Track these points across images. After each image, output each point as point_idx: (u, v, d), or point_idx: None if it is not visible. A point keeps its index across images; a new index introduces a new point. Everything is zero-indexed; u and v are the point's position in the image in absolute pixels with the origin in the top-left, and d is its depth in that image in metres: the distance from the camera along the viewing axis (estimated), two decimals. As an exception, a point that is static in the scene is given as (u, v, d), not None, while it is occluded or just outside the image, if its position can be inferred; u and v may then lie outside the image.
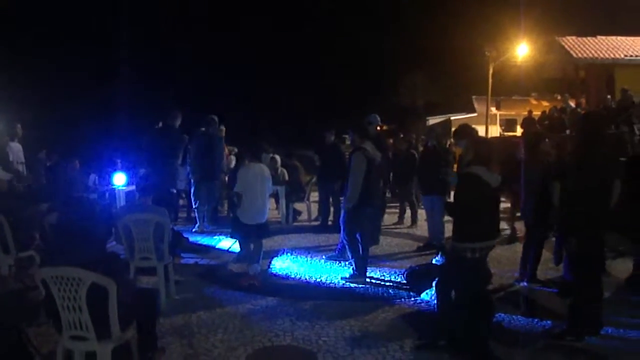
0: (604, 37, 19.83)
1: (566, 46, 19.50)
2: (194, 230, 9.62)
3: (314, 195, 11.29)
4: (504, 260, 7.50)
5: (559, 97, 20.12)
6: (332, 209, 10.15)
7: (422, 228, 9.58)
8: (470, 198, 4.44)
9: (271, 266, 7.40)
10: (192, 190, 9.90)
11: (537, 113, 19.08)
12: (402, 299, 6.07)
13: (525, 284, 6.47)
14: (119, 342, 3.66)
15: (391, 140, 11.98)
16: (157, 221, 5.65)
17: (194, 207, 9.93)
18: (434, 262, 6.48)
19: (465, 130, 6.28)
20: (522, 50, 26.48)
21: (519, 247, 7.17)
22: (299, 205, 11.32)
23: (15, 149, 10.75)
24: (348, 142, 9.89)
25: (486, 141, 5.08)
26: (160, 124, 9.50)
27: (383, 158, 7.68)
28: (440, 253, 6.70)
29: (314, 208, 11.02)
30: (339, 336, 4.94)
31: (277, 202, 11.15)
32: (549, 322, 5.25)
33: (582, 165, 4.80)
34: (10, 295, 6.06)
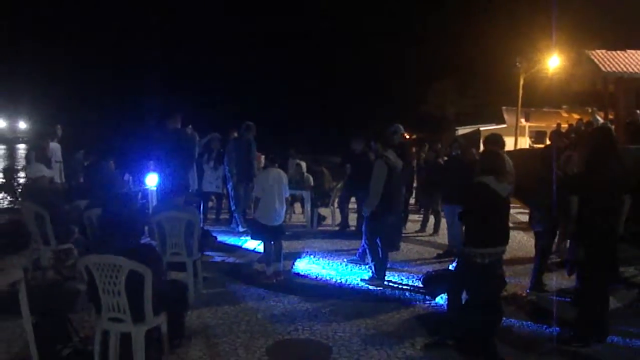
0: (633, 51, 19.67)
1: (595, 59, 19.41)
2: (241, 230, 10.07)
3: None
4: (520, 270, 7.66)
5: (590, 110, 20.00)
6: (356, 215, 10.41)
7: (444, 236, 9.74)
8: (478, 205, 4.68)
9: (294, 266, 7.72)
10: (231, 193, 10.42)
11: (564, 126, 19.06)
12: (418, 302, 6.31)
13: (528, 291, 6.64)
14: (151, 325, 4.02)
15: (414, 149, 12.13)
16: (189, 219, 6.02)
17: (234, 209, 10.39)
18: (450, 268, 6.69)
19: (492, 139, 6.54)
20: (553, 62, 26.31)
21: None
22: (324, 211, 11.60)
23: (54, 149, 11.32)
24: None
25: (493, 152, 5.28)
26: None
27: (406, 166, 7.88)
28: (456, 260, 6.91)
29: (339, 213, 11.29)
30: (354, 333, 5.22)
31: (302, 206, 11.47)
32: (557, 328, 5.38)
33: (590, 179, 4.97)
34: (52, 285, 6.51)
